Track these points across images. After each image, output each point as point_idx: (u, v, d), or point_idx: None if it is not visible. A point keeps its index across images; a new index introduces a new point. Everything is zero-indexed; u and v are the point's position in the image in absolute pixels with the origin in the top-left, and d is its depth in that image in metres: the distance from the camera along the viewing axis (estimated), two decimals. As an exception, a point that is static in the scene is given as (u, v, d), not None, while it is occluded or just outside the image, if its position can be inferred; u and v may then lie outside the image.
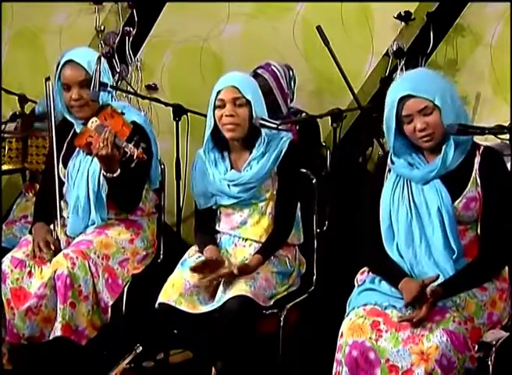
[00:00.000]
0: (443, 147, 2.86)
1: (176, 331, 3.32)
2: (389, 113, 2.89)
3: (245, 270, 3.24)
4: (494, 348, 2.79)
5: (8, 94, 4.54)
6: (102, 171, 3.39)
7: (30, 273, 3.42)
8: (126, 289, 3.49)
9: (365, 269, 3.05)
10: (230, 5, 4.77)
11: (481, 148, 2.92)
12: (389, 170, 3.00)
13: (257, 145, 3.36)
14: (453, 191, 2.87)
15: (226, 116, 3.31)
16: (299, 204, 3.46)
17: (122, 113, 3.47)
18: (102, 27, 5.00)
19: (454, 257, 2.85)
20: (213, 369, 3.27)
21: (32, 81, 4.87)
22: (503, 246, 2.86)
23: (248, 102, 3.31)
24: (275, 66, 4.21)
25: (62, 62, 3.50)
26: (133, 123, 3.46)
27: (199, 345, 3.34)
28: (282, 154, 3.35)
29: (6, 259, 3.45)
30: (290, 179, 3.39)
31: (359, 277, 3.04)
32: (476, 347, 2.76)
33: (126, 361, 3.18)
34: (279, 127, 3.31)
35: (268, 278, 3.29)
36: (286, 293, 3.37)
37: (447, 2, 4.36)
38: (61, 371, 3.45)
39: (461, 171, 2.88)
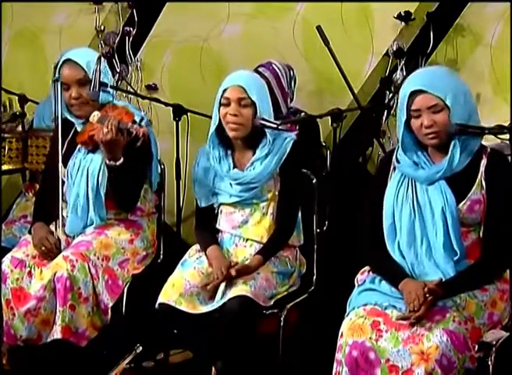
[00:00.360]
0: (450, 148, 2.84)
1: (176, 331, 3.32)
2: (400, 106, 2.88)
3: (245, 271, 3.24)
4: (494, 348, 2.78)
5: (9, 94, 4.54)
6: (105, 160, 3.38)
7: (29, 273, 3.42)
8: (126, 289, 3.49)
9: (365, 269, 3.04)
10: (230, 5, 4.77)
11: (488, 150, 2.90)
12: (394, 169, 2.98)
13: (261, 146, 3.36)
14: (458, 192, 2.86)
15: (230, 115, 3.30)
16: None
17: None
18: (102, 27, 5.01)
19: (456, 259, 2.85)
20: (213, 369, 3.27)
21: (32, 81, 4.87)
22: (506, 249, 2.86)
23: (253, 103, 3.31)
24: (276, 65, 4.21)
25: (60, 62, 3.51)
26: (133, 122, 3.45)
27: (199, 345, 3.33)
28: (286, 155, 3.36)
29: (6, 259, 3.44)
30: (293, 180, 3.39)
31: (359, 277, 3.04)
32: (476, 347, 2.76)
33: (126, 361, 3.18)
34: (279, 127, 3.31)
35: (268, 278, 3.29)
36: (286, 293, 3.37)
37: (447, 2, 4.36)
38: (61, 371, 3.45)
39: (467, 173, 2.87)
